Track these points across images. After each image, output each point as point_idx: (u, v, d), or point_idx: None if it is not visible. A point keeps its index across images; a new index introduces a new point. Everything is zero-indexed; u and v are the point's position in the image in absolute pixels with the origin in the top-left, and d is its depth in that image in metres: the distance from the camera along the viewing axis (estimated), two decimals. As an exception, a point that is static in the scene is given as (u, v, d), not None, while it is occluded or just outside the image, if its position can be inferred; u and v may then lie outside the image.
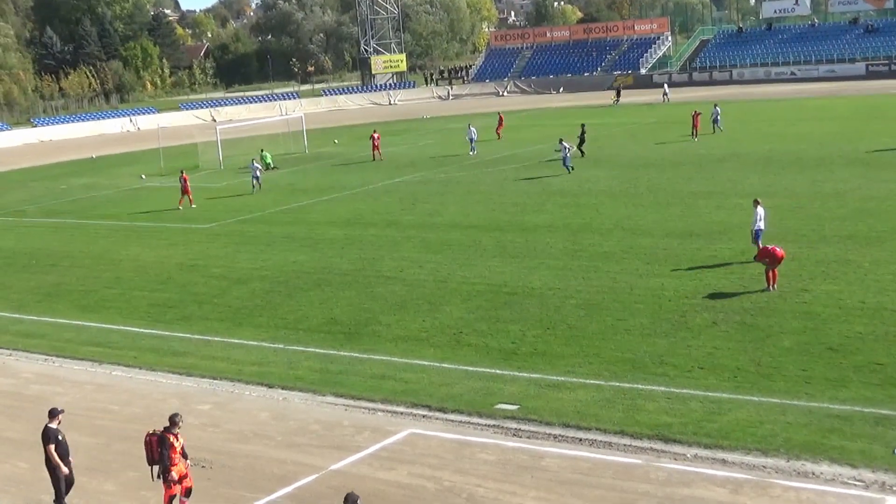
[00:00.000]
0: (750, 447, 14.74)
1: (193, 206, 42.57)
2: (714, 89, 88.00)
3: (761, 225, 25.63)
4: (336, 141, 61.11)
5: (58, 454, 14.21)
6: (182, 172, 43.98)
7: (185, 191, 42.69)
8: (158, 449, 13.55)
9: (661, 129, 59.52)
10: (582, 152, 48.39)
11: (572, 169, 43.10)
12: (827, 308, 21.11)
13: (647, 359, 18.93)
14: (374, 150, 54.43)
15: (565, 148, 43.71)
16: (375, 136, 55.11)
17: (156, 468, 13.68)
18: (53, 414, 14.49)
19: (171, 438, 13.56)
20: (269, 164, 54.70)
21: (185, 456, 13.82)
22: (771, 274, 22.69)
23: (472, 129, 54.26)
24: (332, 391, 18.76)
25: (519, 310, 22.94)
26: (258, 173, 45.65)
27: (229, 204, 42.97)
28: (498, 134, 60.83)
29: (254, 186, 45.36)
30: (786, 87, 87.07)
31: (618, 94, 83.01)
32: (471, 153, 53.01)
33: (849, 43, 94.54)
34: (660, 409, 16.43)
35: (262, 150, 56.13)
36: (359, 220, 36.43)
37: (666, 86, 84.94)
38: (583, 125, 50.37)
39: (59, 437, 14.31)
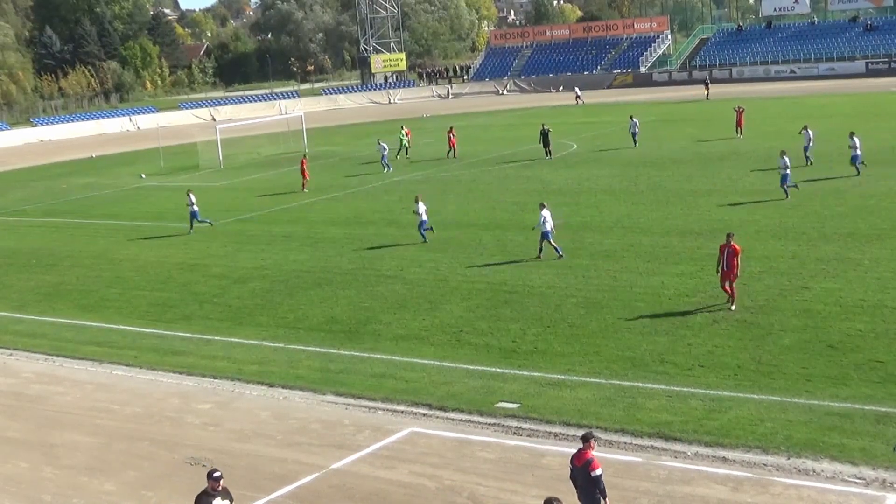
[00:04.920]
0: (750, 445, 14.74)
1: (305, 190, 43.85)
2: (714, 87, 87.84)
3: (547, 227, 26.94)
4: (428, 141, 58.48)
5: None
6: (304, 156, 45.84)
7: (303, 174, 44.31)
8: None
9: (662, 128, 59.48)
10: (548, 153, 48.37)
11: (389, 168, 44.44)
12: (827, 306, 21.10)
13: (648, 357, 18.93)
14: (450, 147, 52.33)
15: (383, 147, 46.22)
16: (452, 133, 53.20)
17: None
18: (216, 478, 11.98)
19: None
20: (406, 145, 53.62)
21: None
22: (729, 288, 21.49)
23: (382, 144, 49.20)
24: (332, 390, 18.77)
25: (519, 308, 22.94)
26: None
27: (229, 203, 42.96)
28: (403, 145, 53.17)
29: None
30: (785, 85, 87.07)
31: (706, 86, 79.74)
32: (386, 170, 48.20)
33: (848, 41, 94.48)
34: (660, 408, 16.43)
35: (402, 127, 55.60)
36: (359, 220, 36.42)
37: (577, 88, 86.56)
38: (543, 125, 50.06)
39: None
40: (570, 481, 12.18)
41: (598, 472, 11.66)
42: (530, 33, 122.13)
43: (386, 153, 48.87)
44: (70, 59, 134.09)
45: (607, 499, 11.79)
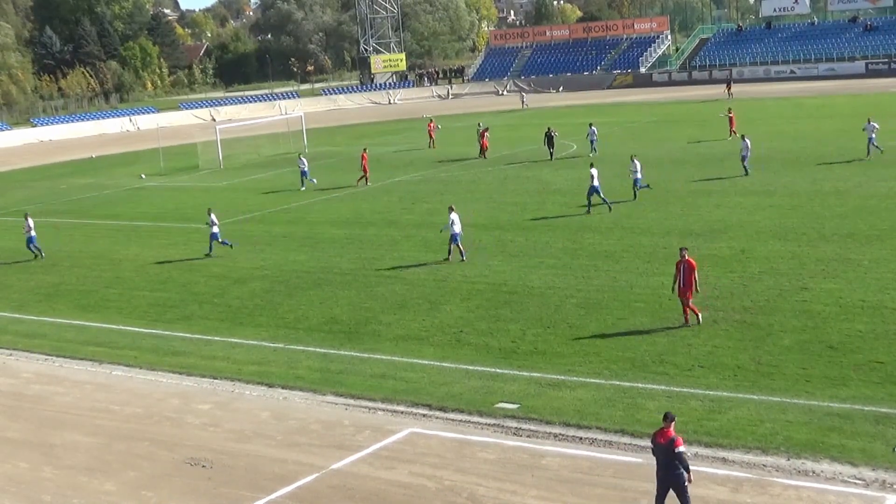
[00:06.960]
0: (750, 446, 14.74)
1: (368, 184, 44.24)
2: (713, 88, 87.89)
3: (455, 229, 27.81)
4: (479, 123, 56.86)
5: None
6: (364, 150, 45.77)
7: (363, 169, 44.41)
8: None
9: (661, 128, 59.50)
10: (551, 155, 48.34)
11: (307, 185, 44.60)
12: (827, 306, 21.11)
13: (648, 357, 18.94)
14: (482, 148, 51.82)
15: (302, 162, 45.41)
16: (484, 133, 52.52)
17: None
18: None
19: None
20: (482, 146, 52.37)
21: None
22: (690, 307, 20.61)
23: (302, 159, 46.53)
24: (332, 390, 18.77)
25: (519, 309, 22.94)
26: None
27: (229, 203, 42.95)
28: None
29: None
30: (785, 85, 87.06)
31: (728, 86, 78.98)
32: (302, 188, 45.04)
33: (848, 41, 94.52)
34: (660, 408, 16.37)
35: (479, 123, 55.58)
36: (359, 220, 36.43)
37: (523, 93, 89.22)
38: (549, 128, 49.89)
39: None
40: (653, 456, 12.82)
41: (682, 448, 12.35)
42: (530, 33, 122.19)
43: (306, 168, 45.71)
44: (70, 59, 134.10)
45: (690, 472, 12.42)
